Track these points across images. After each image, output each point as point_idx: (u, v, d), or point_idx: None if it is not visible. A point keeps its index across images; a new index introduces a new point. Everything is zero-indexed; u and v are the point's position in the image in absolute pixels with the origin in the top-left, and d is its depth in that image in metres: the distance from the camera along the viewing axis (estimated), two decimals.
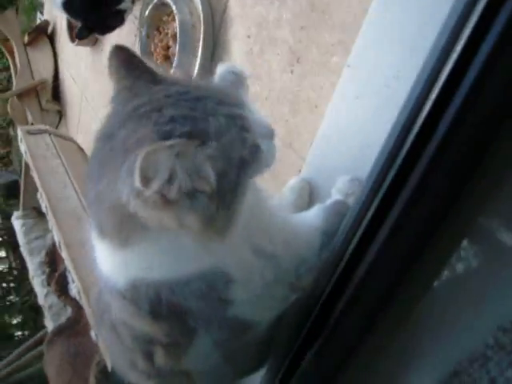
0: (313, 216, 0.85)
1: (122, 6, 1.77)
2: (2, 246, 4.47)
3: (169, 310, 0.61)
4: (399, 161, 0.55)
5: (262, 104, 1.35)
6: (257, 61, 1.38)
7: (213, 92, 0.58)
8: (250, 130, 0.56)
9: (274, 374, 0.77)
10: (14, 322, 4.02)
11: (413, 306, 0.68)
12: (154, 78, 0.58)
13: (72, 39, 2.54)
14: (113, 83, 0.60)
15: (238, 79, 0.76)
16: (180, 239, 0.57)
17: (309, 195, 1.10)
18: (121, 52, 0.59)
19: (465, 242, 0.63)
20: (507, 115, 0.46)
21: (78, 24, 1.82)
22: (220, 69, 0.76)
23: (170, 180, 0.48)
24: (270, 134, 0.62)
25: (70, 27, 2.59)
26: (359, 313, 0.67)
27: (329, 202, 0.95)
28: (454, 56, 0.49)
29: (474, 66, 0.47)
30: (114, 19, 1.80)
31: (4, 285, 4.25)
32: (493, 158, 0.55)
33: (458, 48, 0.49)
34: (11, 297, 4.15)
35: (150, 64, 0.60)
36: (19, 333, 4.00)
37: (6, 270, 4.36)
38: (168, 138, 0.50)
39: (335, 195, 0.96)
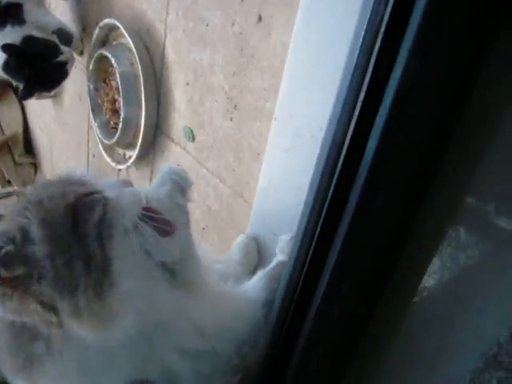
0: (254, 286, 0.83)
1: (62, 58, 1.72)
2: None
3: None
4: (322, 215, 0.53)
5: (209, 152, 1.31)
6: (198, 109, 1.34)
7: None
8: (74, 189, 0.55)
9: None
10: None
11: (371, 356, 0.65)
12: None
13: (20, 98, 2.52)
14: None
15: (180, 185, 0.71)
16: (82, 358, 0.54)
17: (257, 251, 1.06)
18: None
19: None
20: None
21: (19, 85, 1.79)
22: (163, 171, 0.73)
23: None
24: (121, 183, 0.60)
25: None
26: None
27: (271, 264, 0.92)
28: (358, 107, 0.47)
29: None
30: (56, 73, 1.75)
31: None
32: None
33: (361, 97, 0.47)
34: None
35: None
36: None
37: None
38: None
39: (278, 255, 0.93)
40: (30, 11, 1.72)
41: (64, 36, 1.81)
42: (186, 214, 0.71)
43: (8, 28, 1.67)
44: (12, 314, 0.50)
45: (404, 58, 0.43)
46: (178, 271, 0.65)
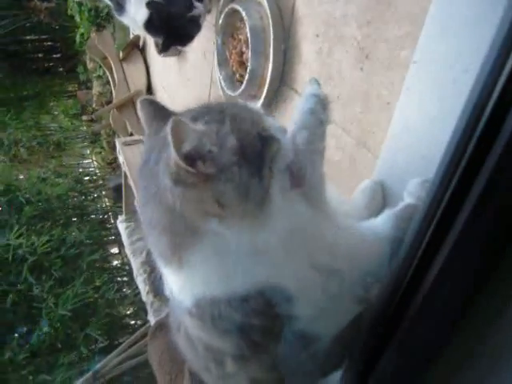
0: (381, 224, 0.84)
1: (195, 12, 1.85)
2: (116, 243, 4.92)
3: (231, 326, 0.65)
4: (465, 159, 0.51)
5: (335, 103, 1.34)
6: (327, 60, 1.36)
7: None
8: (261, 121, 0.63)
9: (352, 374, 0.77)
10: (128, 312, 4.42)
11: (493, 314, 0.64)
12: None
13: (159, 52, 2.71)
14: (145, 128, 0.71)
15: (322, 102, 0.78)
16: (229, 252, 0.61)
17: (383, 197, 1.08)
18: (147, 105, 0.70)
19: None
20: None
21: (158, 40, 1.95)
22: (306, 91, 0.80)
23: (201, 152, 0.56)
24: (282, 130, 0.67)
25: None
26: (433, 315, 0.65)
27: (399, 206, 0.92)
28: None
29: None
30: (191, 28, 1.90)
31: (119, 279, 4.67)
32: None
33: None
34: (124, 290, 4.54)
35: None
36: (133, 322, 4.40)
37: (119, 266, 4.79)
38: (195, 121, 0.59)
39: (406, 198, 0.94)
40: None
41: None
42: (325, 129, 0.77)
43: None
44: (187, 200, 0.58)
45: None
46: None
